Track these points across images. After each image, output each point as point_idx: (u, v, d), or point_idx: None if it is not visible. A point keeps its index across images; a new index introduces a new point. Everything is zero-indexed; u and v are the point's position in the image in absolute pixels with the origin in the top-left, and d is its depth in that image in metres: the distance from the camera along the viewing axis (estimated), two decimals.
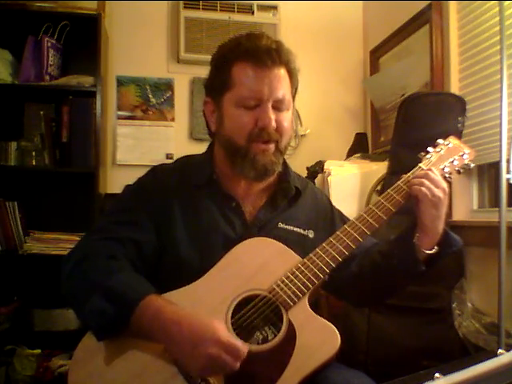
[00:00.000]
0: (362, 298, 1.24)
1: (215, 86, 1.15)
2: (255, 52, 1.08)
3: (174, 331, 0.93)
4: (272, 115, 1.09)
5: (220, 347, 0.89)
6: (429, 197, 1.03)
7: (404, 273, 1.11)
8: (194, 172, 1.19)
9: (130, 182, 1.23)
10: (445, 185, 1.06)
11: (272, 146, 1.12)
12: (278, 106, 1.10)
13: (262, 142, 1.10)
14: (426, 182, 1.05)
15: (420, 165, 1.13)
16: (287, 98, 1.12)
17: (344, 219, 1.28)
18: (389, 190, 1.10)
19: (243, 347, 0.92)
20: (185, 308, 0.98)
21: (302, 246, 1.14)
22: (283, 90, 1.11)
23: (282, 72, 1.10)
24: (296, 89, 1.18)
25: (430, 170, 1.08)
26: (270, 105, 1.09)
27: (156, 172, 1.21)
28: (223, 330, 0.92)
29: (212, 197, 1.16)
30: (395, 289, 1.21)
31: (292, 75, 1.13)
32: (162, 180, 1.18)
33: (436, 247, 1.08)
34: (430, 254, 1.08)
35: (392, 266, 1.12)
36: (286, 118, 1.13)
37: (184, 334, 0.92)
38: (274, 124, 1.09)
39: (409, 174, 1.11)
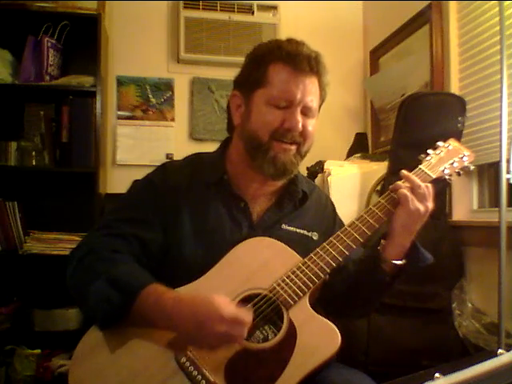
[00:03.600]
0: (335, 307, 1.20)
1: (248, 82, 1.16)
2: (296, 56, 1.10)
3: (175, 314, 0.94)
4: (299, 118, 1.11)
5: (226, 323, 0.91)
6: (409, 205, 1.04)
7: (368, 279, 1.11)
8: (205, 170, 1.19)
9: (130, 183, 1.22)
10: (430, 205, 1.07)
11: (294, 148, 1.13)
12: (305, 112, 1.13)
13: (284, 142, 1.12)
14: (415, 191, 1.05)
15: (420, 166, 1.13)
16: (315, 106, 1.14)
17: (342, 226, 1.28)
18: (389, 191, 1.11)
19: (247, 315, 0.93)
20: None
21: (305, 248, 1.13)
22: (314, 97, 1.13)
23: (315, 81, 1.13)
24: (323, 101, 1.20)
25: (426, 186, 1.08)
26: (299, 109, 1.11)
27: (166, 169, 1.21)
28: (225, 305, 0.93)
29: (221, 196, 1.17)
30: (364, 299, 1.18)
31: (322, 87, 1.16)
32: (172, 177, 1.18)
33: (403, 260, 1.09)
34: (396, 265, 1.08)
35: (358, 273, 1.14)
36: (312, 124, 1.15)
37: (185, 315, 0.94)
38: (300, 127, 1.11)
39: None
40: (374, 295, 1.17)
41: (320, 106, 1.20)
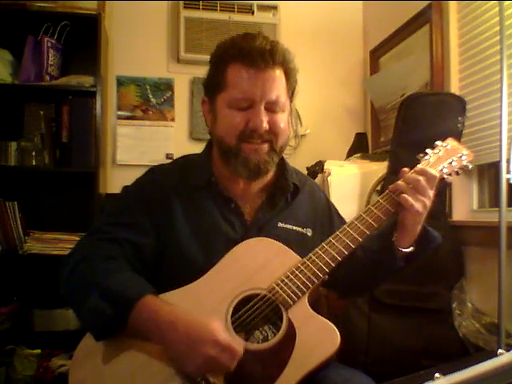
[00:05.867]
0: (345, 289, 1.29)
1: (210, 86, 1.15)
2: (248, 53, 1.07)
3: (169, 331, 0.94)
4: (264, 117, 1.08)
5: (218, 348, 0.90)
6: (414, 207, 1.04)
7: (383, 268, 1.16)
8: (193, 173, 1.19)
9: (130, 182, 1.23)
10: (431, 193, 1.07)
11: (265, 146, 1.12)
12: (271, 108, 1.10)
13: (253, 142, 1.10)
14: (414, 192, 1.05)
15: (418, 166, 1.13)
16: (282, 99, 1.11)
17: (340, 217, 1.29)
18: (388, 191, 1.11)
19: (240, 347, 0.93)
20: (183, 308, 0.98)
21: (301, 245, 1.14)
22: (277, 91, 1.09)
23: (276, 73, 1.09)
24: (294, 89, 1.17)
25: (421, 173, 1.07)
26: (262, 106, 1.08)
27: (154, 173, 1.21)
28: (220, 330, 0.93)
29: (211, 198, 1.16)
30: (374, 283, 1.27)
31: (289, 76, 1.12)
32: (161, 181, 1.18)
33: (413, 246, 1.11)
34: (408, 252, 1.10)
35: (372, 261, 1.16)
36: (281, 119, 1.12)
37: (180, 333, 0.93)
38: (265, 125, 1.08)
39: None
40: (388, 279, 1.24)
41: (292, 97, 1.17)
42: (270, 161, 1.13)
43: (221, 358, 0.90)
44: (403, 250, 1.09)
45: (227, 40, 1.14)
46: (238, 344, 0.93)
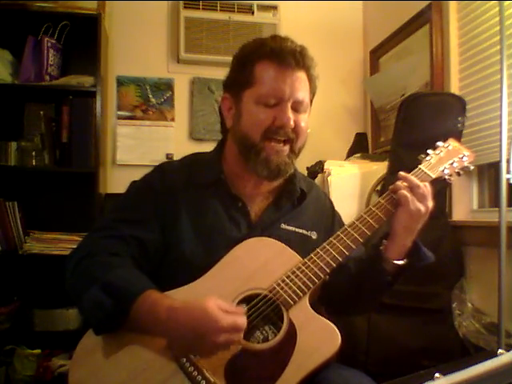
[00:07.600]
0: (335, 304, 1.21)
1: (236, 83, 1.16)
2: (280, 52, 1.10)
3: (170, 324, 0.94)
4: (291, 115, 1.10)
5: (225, 333, 0.90)
6: (410, 205, 1.04)
7: (370, 280, 1.12)
8: (202, 171, 1.19)
9: (130, 183, 1.22)
10: (430, 204, 1.07)
11: (287, 148, 1.13)
12: (296, 108, 1.12)
13: (277, 141, 1.11)
14: (415, 191, 1.05)
15: (420, 166, 1.13)
16: (306, 100, 1.13)
17: (342, 225, 1.28)
18: (389, 191, 1.11)
19: (242, 319, 0.93)
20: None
21: (304, 247, 1.14)
22: (303, 92, 1.12)
23: (303, 75, 1.12)
24: (314, 94, 1.19)
25: (425, 185, 1.07)
26: (289, 105, 1.10)
27: (163, 169, 1.21)
28: (221, 314, 0.91)
29: (219, 196, 1.16)
30: (363, 299, 1.18)
31: (311, 81, 1.15)
32: (169, 178, 1.18)
33: (405, 259, 1.09)
34: (398, 264, 1.08)
35: (359, 271, 1.14)
36: (304, 119, 1.14)
37: (182, 325, 0.93)
38: (292, 123, 1.10)
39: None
40: (375, 294, 1.18)
41: (312, 101, 1.19)
42: (289, 163, 1.14)
43: (231, 339, 0.92)
44: (394, 261, 1.08)
45: (254, 40, 1.17)
46: (241, 316, 0.94)
